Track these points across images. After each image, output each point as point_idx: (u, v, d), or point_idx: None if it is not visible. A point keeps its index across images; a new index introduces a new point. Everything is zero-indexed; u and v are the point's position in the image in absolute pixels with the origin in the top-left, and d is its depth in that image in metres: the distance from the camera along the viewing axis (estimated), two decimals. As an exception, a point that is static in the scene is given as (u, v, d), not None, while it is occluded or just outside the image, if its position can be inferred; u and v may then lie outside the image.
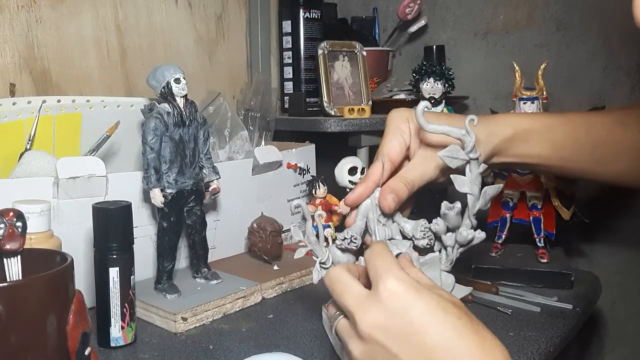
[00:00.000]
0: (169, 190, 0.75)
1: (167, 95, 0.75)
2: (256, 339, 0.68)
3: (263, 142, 1.09)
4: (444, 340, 0.41)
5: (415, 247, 0.58)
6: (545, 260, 0.88)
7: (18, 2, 0.92)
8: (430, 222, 0.57)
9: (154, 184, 0.74)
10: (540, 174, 0.87)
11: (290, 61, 1.24)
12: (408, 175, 0.59)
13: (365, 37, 1.30)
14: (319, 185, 0.96)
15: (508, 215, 0.91)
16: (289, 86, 1.25)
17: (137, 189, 0.79)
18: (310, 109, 1.18)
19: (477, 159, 0.55)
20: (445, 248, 0.57)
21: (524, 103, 0.87)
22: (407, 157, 0.62)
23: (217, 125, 1.02)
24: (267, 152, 0.98)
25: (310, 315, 0.74)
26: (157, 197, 0.74)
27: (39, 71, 0.95)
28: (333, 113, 1.12)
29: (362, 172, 0.91)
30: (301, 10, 1.21)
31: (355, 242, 0.57)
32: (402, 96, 1.19)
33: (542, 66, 0.88)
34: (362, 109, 1.12)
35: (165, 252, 0.77)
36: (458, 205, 0.55)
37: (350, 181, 0.91)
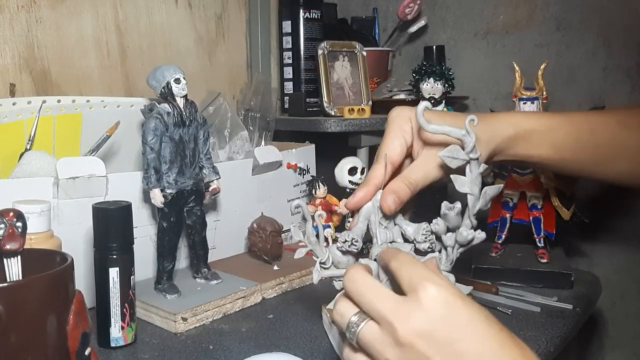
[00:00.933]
0: (169, 191, 0.75)
1: (167, 95, 0.75)
2: (256, 339, 0.68)
3: (263, 142, 1.09)
4: (488, 349, 0.41)
5: (417, 251, 0.58)
6: (545, 260, 0.88)
7: (18, 2, 0.92)
8: (430, 222, 0.57)
9: (154, 184, 0.74)
10: (540, 170, 0.87)
11: (290, 61, 1.24)
12: (411, 176, 0.58)
13: (365, 37, 1.30)
14: (319, 186, 0.96)
15: (508, 215, 0.91)
16: (289, 86, 1.25)
17: (137, 189, 0.79)
18: (310, 109, 1.18)
19: (477, 159, 0.55)
20: (445, 248, 0.57)
21: (524, 103, 0.88)
22: (408, 157, 0.61)
23: (217, 126, 1.02)
24: (267, 152, 0.98)
25: (310, 315, 0.74)
26: (157, 197, 0.74)
27: (39, 71, 0.95)
28: (333, 113, 1.12)
29: (362, 172, 0.91)
30: (301, 10, 1.21)
31: (356, 245, 0.57)
32: (402, 96, 1.19)
33: (542, 66, 0.88)
34: (362, 109, 1.12)
35: (165, 252, 0.77)
36: (458, 205, 0.55)
37: (350, 181, 0.91)
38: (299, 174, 1.05)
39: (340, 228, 0.96)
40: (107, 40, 1.05)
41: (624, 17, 1.07)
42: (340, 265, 0.58)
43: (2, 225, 0.47)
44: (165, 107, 0.75)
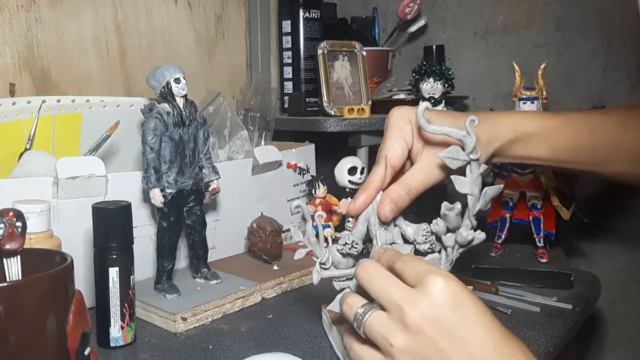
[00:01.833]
0: (168, 190, 0.75)
1: (166, 95, 0.75)
2: (256, 339, 0.68)
3: (263, 142, 1.09)
4: (492, 339, 0.42)
5: (417, 251, 0.58)
6: (545, 260, 0.88)
7: (18, 2, 0.92)
8: (430, 223, 0.57)
9: (153, 183, 0.74)
10: (539, 170, 0.87)
11: (290, 61, 1.24)
12: (410, 182, 0.58)
13: (365, 37, 1.30)
14: (318, 185, 0.96)
15: (508, 215, 0.91)
16: (288, 86, 1.25)
17: (136, 189, 0.79)
18: (310, 108, 1.18)
19: (477, 159, 0.55)
20: (445, 248, 0.57)
21: (524, 103, 0.87)
22: (409, 159, 0.61)
23: (216, 125, 1.02)
24: (267, 152, 0.98)
25: (310, 316, 0.74)
26: (156, 197, 0.74)
27: (39, 71, 0.95)
28: (333, 113, 1.12)
29: (361, 172, 0.91)
30: (301, 10, 1.21)
31: (356, 248, 0.57)
32: (401, 96, 1.19)
33: (542, 66, 0.88)
34: (362, 108, 1.12)
35: (165, 252, 0.77)
36: (458, 205, 0.55)
37: (350, 181, 0.91)
38: (299, 173, 1.05)
39: (340, 228, 0.96)
40: (107, 40, 1.04)
41: (624, 17, 1.07)
42: (340, 266, 0.58)
43: (2, 225, 0.47)
44: (165, 106, 0.75)
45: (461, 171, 0.56)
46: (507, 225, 0.91)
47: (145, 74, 0.77)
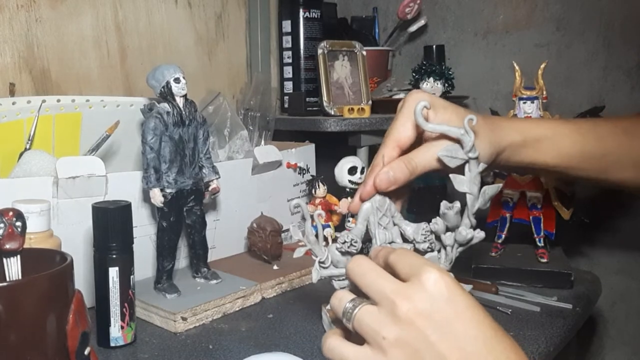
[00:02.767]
0: (168, 190, 0.75)
1: (166, 94, 0.75)
2: (256, 339, 0.68)
3: (263, 142, 1.09)
4: (483, 335, 0.42)
5: (416, 251, 0.58)
6: (545, 260, 0.88)
7: (18, 2, 0.92)
8: (429, 222, 0.57)
9: (153, 183, 0.74)
10: (549, 177, 0.86)
11: (290, 61, 1.24)
12: (415, 157, 0.57)
13: (365, 36, 1.30)
14: (318, 185, 0.96)
15: (508, 215, 0.91)
16: (288, 86, 1.25)
17: (136, 189, 0.79)
18: (310, 108, 1.18)
19: (476, 158, 0.55)
20: (445, 248, 0.57)
21: (524, 103, 0.88)
22: (418, 143, 0.59)
23: (216, 125, 1.02)
24: (267, 151, 0.98)
25: (310, 315, 0.74)
26: (156, 196, 0.74)
27: (39, 71, 0.95)
28: (333, 113, 1.12)
29: (362, 172, 0.91)
30: (301, 10, 1.21)
31: (355, 246, 0.57)
32: (402, 96, 1.19)
33: (542, 66, 0.88)
34: (362, 108, 1.12)
35: (165, 251, 0.77)
36: (457, 204, 0.55)
37: (350, 180, 0.91)
38: (299, 173, 1.05)
39: (340, 228, 0.96)
40: (107, 40, 1.05)
41: (624, 17, 1.07)
42: (339, 265, 0.58)
43: (2, 225, 0.47)
44: (165, 106, 0.75)
45: (460, 170, 0.56)
46: (507, 225, 0.91)
47: (145, 74, 0.77)
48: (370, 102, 1.17)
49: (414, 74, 0.96)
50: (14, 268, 0.48)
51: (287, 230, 0.93)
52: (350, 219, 0.93)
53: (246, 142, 1.02)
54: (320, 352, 0.64)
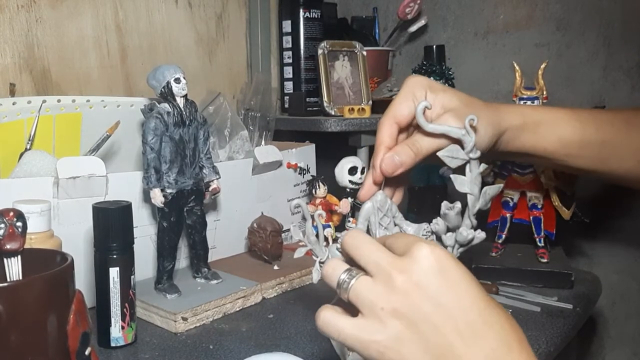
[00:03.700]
0: (169, 190, 0.75)
1: (167, 95, 0.75)
2: (256, 339, 0.68)
3: (263, 142, 1.09)
4: (476, 307, 0.42)
5: None
6: (545, 260, 0.88)
7: (18, 2, 0.92)
8: (430, 222, 0.57)
9: (154, 183, 0.74)
10: (542, 167, 0.86)
11: (290, 61, 1.24)
12: (419, 140, 0.56)
13: (365, 36, 1.30)
14: (319, 185, 0.96)
15: (508, 215, 0.91)
16: (289, 86, 1.25)
17: (137, 189, 0.79)
18: (310, 108, 1.18)
19: (477, 158, 0.55)
20: (445, 248, 0.57)
21: (524, 103, 0.88)
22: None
23: (217, 125, 1.02)
24: (267, 152, 0.98)
25: (310, 315, 0.74)
26: (157, 197, 0.74)
27: (39, 71, 0.95)
28: (333, 113, 1.12)
29: (362, 172, 0.91)
30: (301, 10, 1.21)
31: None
32: (402, 96, 1.18)
33: (542, 66, 0.88)
34: (362, 108, 1.12)
35: (165, 252, 0.77)
36: (458, 205, 0.55)
37: (350, 181, 0.91)
38: (299, 173, 1.05)
39: (340, 228, 0.96)
40: (107, 40, 1.05)
41: (624, 17, 1.07)
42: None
43: (2, 225, 0.47)
44: (165, 106, 0.75)
45: (461, 170, 0.56)
46: (508, 225, 0.91)
47: (146, 74, 0.77)
48: (370, 102, 1.17)
49: (414, 74, 0.96)
50: (14, 268, 0.48)
51: (288, 230, 0.93)
52: (351, 219, 0.93)
53: (246, 142, 1.02)
54: (320, 353, 0.64)
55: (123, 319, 0.66)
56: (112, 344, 0.66)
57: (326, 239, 0.58)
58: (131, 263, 0.67)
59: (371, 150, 1.10)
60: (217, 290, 0.78)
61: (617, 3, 1.07)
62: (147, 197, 0.77)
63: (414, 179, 1.01)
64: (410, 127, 0.60)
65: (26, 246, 0.49)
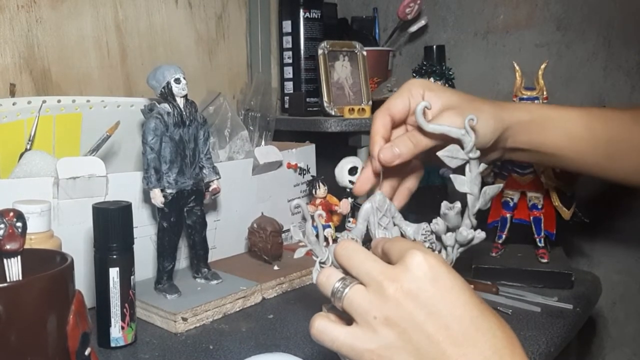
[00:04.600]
0: (169, 191, 0.75)
1: (167, 95, 0.75)
2: (256, 339, 0.68)
3: (263, 142, 1.09)
4: (468, 315, 0.42)
5: None
6: (545, 260, 0.88)
7: (18, 2, 0.92)
8: (430, 222, 0.57)
9: (154, 184, 0.74)
10: (545, 167, 0.86)
11: (290, 61, 1.24)
12: (417, 133, 0.57)
13: (366, 37, 1.30)
14: (319, 185, 0.96)
15: (508, 215, 0.91)
16: (289, 86, 1.25)
17: (137, 189, 0.79)
18: (310, 109, 1.18)
19: (476, 158, 0.55)
20: (445, 248, 0.57)
21: (524, 103, 0.87)
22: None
23: (217, 125, 1.02)
24: (267, 152, 0.98)
25: (310, 315, 0.73)
26: (157, 197, 0.74)
27: (39, 71, 0.95)
28: (333, 113, 1.12)
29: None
30: (301, 10, 1.21)
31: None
32: (402, 96, 1.18)
33: (542, 66, 0.88)
34: (363, 108, 1.12)
35: (165, 252, 0.77)
36: (458, 205, 0.55)
37: (350, 181, 0.91)
38: (299, 173, 1.05)
39: (340, 228, 0.96)
40: (107, 41, 1.05)
41: (625, 17, 1.07)
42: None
43: (2, 225, 0.47)
44: (166, 107, 0.75)
45: (461, 170, 0.56)
46: (508, 225, 0.91)
47: (146, 74, 0.77)
48: (370, 102, 1.17)
49: (414, 74, 0.96)
50: (14, 269, 0.48)
51: (288, 230, 0.93)
52: (351, 219, 0.93)
53: (246, 142, 1.02)
54: (320, 353, 0.64)
55: (123, 319, 0.66)
56: (112, 344, 0.66)
57: (326, 239, 0.58)
58: (131, 263, 0.67)
59: (371, 150, 1.10)
60: (217, 290, 0.78)
61: (617, 3, 1.07)
62: (147, 197, 0.77)
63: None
64: (405, 125, 0.61)
65: (26, 246, 0.49)
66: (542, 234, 0.89)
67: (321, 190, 0.96)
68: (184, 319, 0.70)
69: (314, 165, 1.08)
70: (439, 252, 0.58)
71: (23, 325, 0.44)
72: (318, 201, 0.96)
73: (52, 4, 0.96)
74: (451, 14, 1.27)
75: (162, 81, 0.75)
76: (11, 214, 0.47)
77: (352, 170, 0.91)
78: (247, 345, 0.67)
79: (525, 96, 0.87)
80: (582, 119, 0.65)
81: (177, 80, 0.75)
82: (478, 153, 0.55)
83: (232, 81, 1.28)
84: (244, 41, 1.30)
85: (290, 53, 1.23)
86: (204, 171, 0.79)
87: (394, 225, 0.59)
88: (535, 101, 0.87)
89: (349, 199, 0.93)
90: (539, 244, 0.89)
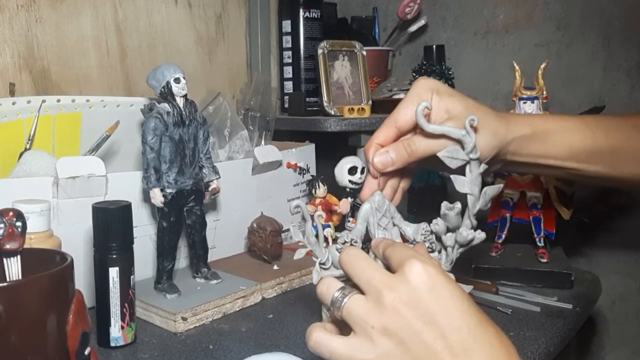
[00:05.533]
0: (168, 190, 0.75)
1: (167, 95, 0.75)
2: (256, 339, 0.68)
3: (263, 142, 1.09)
4: (466, 325, 0.42)
5: None
6: (545, 260, 0.88)
7: (18, 2, 0.92)
8: (430, 222, 0.57)
9: (153, 183, 0.74)
10: (550, 177, 0.86)
11: (290, 61, 1.24)
12: (415, 141, 0.56)
13: (365, 36, 1.30)
14: (318, 185, 0.96)
15: (508, 215, 0.91)
16: (288, 86, 1.25)
17: (137, 189, 0.79)
18: (310, 108, 1.18)
19: (477, 159, 0.55)
20: (445, 248, 0.57)
21: (524, 103, 0.87)
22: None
23: (217, 125, 1.02)
24: (267, 151, 0.98)
25: (310, 315, 0.74)
26: (157, 196, 0.74)
27: (39, 71, 0.95)
28: (333, 113, 1.12)
29: (362, 172, 0.91)
30: (301, 10, 1.21)
31: (355, 246, 0.57)
32: (402, 96, 1.18)
33: (542, 66, 0.88)
34: (362, 108, 1.12)
35: (165, 251, 0.77)
36: (458, 205, 0.55)
37: (350, 181, 0.91)
38: (299, 173, 1.05)
39: (340, 228, 0.96)
40: (107, 40, 1.04)
41: (624, 17, 1.07)
42: (340, 266, 0.58)
43: (2, 225, 0.47)
44: (165, 106, 0.75)
45: (461, 170, 0.56)
46: (508, 225, 0.91)
47: (146, 74, 0.77)
48: (370, 102, 1.17)
49: (414, 74, 0.96)
50: (14, 268, 0.48)
51: (287, 230, 0.93)
52: (350, 219, 0.93)
53: (246, 142, 1.02)
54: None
55: (123, 319, 0.66)
56: (112, 344, 0.66)
57: (326, 239, 0.58)
58: (131, 263, 0.67)
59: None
60: (217, 290, 0.78)
61: (617, 3, 1.07)
62: (146, 197, 0.77)
63: (413, 179, 1.01)
64: (412, 132, 0.60)
65: (26, 246, 0.49)
66: (542, 233, 0.89)
67: (321, 190, 0.96)
68: (184, 319, 0.70)
69: (314, 164, 1.08)
70: (439, 252, 0.58)
71: (23, 324, 0.44)
72: (318, 201, 0.96)
73: (52, 3, 0.96)
74: (451, 14, 1.27)
75: (161, 81, 0.75)
76: (11, 213, 0.47)
77: (352, 170, 0.91)
78: (246, 345, 0.67)
79: (525, 96, 0.87)
80: (584, 130, 0.65)
81: (177, 80, 0.75)
82: (478, 154, 0.55)
83: (232, 81, 1.28)
84: (243, 41, 1.30)
85: (290, 53, 1.23)
86: (204, 171, 0.79)
87: (394, 225, 0.59)
88: (535, 101, 0.87)
89: (349, 198, 0.92)
90: (538, 243, 0.89)
